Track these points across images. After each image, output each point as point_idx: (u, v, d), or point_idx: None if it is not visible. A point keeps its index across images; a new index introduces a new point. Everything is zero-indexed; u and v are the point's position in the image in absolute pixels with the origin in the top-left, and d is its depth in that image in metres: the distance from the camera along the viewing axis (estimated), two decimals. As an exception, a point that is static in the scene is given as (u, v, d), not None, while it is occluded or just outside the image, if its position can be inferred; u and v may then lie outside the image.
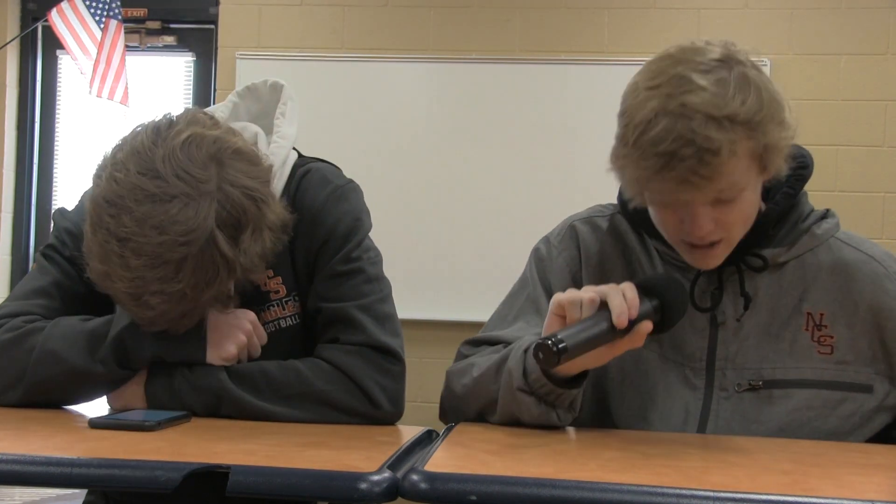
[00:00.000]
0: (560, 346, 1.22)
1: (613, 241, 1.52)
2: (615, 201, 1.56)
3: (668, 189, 1.30)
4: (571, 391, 1.36)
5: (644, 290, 1.33)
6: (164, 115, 1.37)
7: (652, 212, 1.41)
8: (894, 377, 1.45)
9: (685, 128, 1.25)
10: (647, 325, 1.29)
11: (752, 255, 1.44)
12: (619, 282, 1.48)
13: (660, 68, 1.32)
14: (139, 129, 1.35)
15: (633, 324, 1.28)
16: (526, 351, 1.36)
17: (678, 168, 1.27)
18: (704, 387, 1.45)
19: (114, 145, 1.36)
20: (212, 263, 1.29)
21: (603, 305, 1.30)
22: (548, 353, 1.22)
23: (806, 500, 0.99)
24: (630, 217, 1.51)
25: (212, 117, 1.40)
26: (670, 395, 1.46)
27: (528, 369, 1.35)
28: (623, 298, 1.28)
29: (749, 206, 1.37)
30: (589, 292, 1.31)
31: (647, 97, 1.29)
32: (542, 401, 1.36)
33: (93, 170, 1.36)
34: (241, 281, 1.36)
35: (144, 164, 1.29)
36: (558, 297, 1.33)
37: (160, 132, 1.32)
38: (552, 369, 1.32)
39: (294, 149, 1.58)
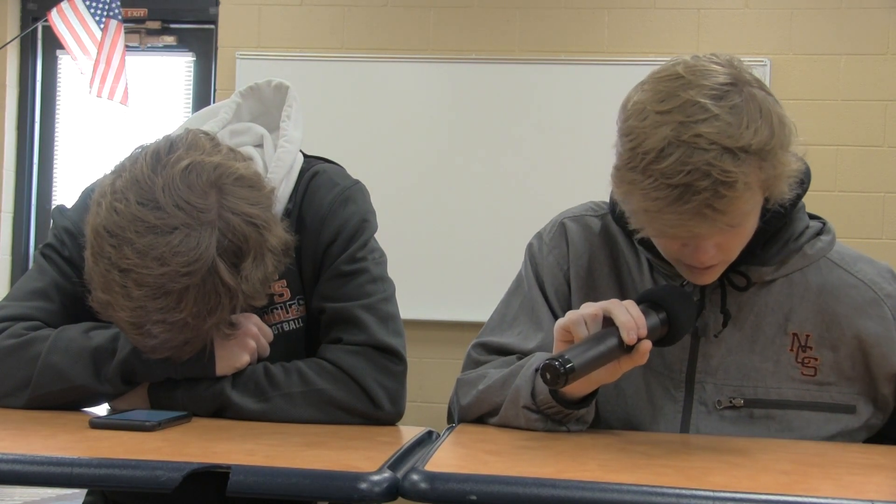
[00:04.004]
0: (567, 366, 1.20)
1: (602, 243, 1.51)
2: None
3: (679, 222, 1.25)
4: (580, 411, 1.36)
5: (651, 303, 1.32)
6: (164, 138, 1.36)
7: (652, 237, 1.37)
8: (877, 400, 1.44)
9: (701, 160, 1.21)
10: (647, 344, 1.28)
11: (736, 272, 1.41)
12: (606, 283, 1.49)
13: (669, 90, 1.26)
14: (138, 152, 1.34)
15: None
16: (537, 370, 1.35)
17: (693, 201, 1.23)
18: (684, 399, 1.44)
19: (113, 169, 1.35)
20: (214, 292, 1.29)
21: (606, 321, 1.29)
22: (555, 373, 1.21)
23: (806, 500, 0.99)
24: (621, 221, 1.48)
25: (212, 139, 1.39)
26: (653, 404, 1.45)
27: (537, 389, 1.35)
28: (629, 314, 1.27)
29: (750, 229, 1.35)
30: (590, 308, 1.31)
31: (657, 122, 1.24)
32: (549, 419, 1.36)
33: (92, 173, 1.36)
34: (243, 307, 1.36)
35: (144, 194, 1.28)
36: (560, 322, 1.32)
37: (160, 159, 1.31)
38: (560, 389, 1.30)
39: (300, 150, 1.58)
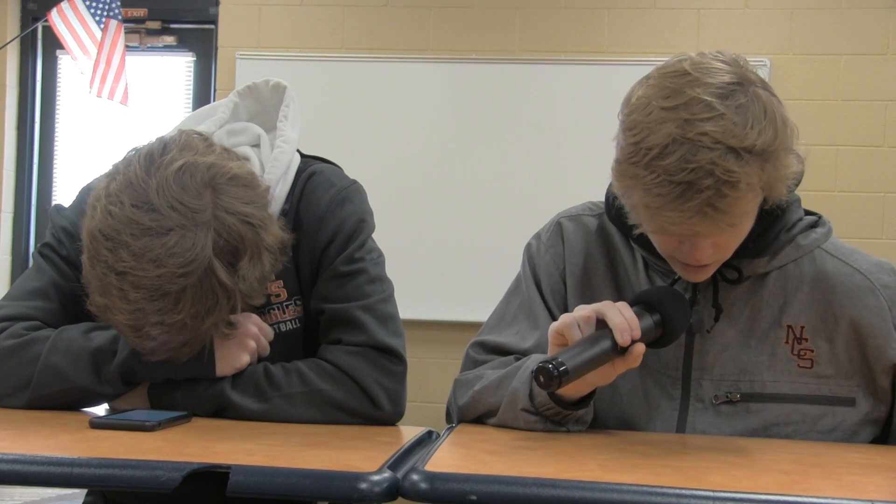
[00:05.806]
0: (561, 368, 1.20)
1: (598, 242, 1.51)
2: None
3: (681, 219, 1.25)
4: (578, 411, 1.36)
5: (646, 305, 1.32)
6: (158, 140, 1.36)
7: (650, 233, 1.37)
8: (877, 391, 1.43)
9: (705, 158, 1.21)
10: (641, 347, 1.28)
11: (728, 266, 1.41)
12: (602, 282, 1.48)
13: (675, 87, 1.26)
14: (132, 155, 1.34)
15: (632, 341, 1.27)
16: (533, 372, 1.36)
17: (695, 199, 1.22)
18: (680, 397, 1.44)
19: (107, 172, 1.35)
20: (211, 292, 1.29)
21: (600, 323, 1.29)
22: (548, 376, 1.21)
23: (806, 500, 0.99)
24: (616, 220, 1.48)
25: (206, 139, 1.39)
26: (648, 403, 1.45)
27: (535, 392, 1.35)
28: (622, 316, 1.27)
29: (747, 229, 1.35)
30: (583, 310, 1.31)
31: (662, 118, 1.24)
32: (548, 420, 1.36)
33: (92, 173, 1.36)
34: (242, 307, 1.36)
35: (138, 197, 1.28)
36: (553, 326, 1.32)
37: (153, 160, 1.31)
38: (556, 391, 1.30)
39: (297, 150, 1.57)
